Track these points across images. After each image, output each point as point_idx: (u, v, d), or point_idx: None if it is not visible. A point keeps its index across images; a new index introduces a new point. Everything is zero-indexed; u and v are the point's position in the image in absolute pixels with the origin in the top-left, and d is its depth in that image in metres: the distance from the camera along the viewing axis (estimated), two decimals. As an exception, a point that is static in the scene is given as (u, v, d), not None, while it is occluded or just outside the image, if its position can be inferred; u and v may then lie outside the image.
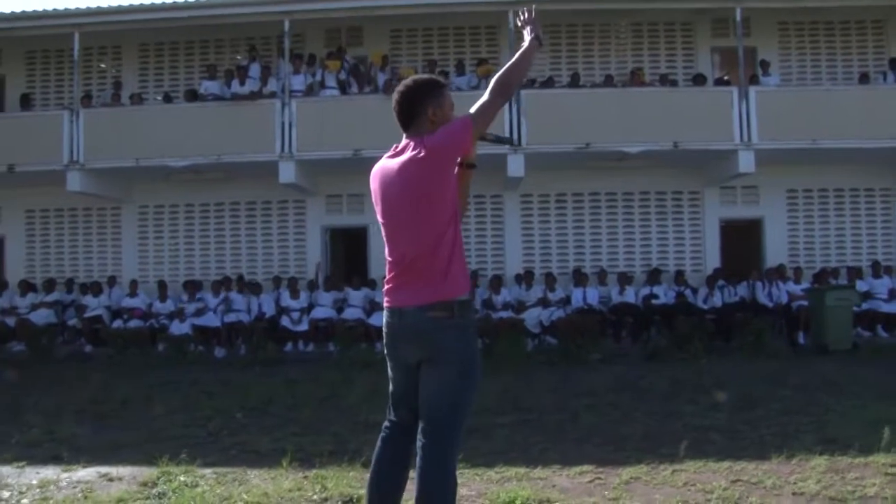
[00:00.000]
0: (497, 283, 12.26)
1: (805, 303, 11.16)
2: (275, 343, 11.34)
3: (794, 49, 13.46)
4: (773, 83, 12.54)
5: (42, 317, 12.24)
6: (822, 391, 7.11)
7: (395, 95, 2.91)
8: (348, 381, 8.25)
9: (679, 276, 12.15)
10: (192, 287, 12.46)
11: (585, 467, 4.54)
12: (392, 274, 2.85)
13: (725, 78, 13.17)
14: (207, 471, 4.73)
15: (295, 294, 12.29)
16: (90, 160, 12.05)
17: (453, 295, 2.75)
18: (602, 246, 13.18)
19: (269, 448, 5.33)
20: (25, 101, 13.40)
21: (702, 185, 13.02)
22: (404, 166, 2.76)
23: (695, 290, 11.84)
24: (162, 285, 12.61)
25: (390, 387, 2.97)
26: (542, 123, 11.64)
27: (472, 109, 2.81)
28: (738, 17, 11.62)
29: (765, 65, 12.77)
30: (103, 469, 4.83)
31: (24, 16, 12.05)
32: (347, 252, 14.23)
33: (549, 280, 12.24)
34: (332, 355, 10.91)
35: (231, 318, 12.00)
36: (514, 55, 2.93)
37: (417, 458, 2.76)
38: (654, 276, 12.19)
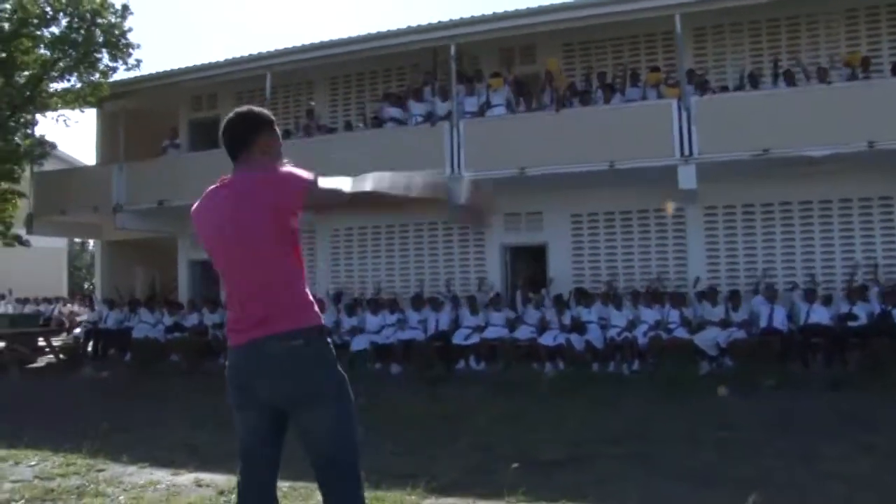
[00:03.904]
0: (679, 300, 11.55)
1: None
2: (445, 361, 11.63)
3: None
4: None
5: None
6: None
7: (225, 124, 2.71)
8: (485, 403, 8.23)
9: (890, 294, 10.62)
10: (376, 305, 13.09)
11: (644, 510, 4.17)
12: (237, 312, 2.65)
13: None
14: (286, 484, 4.95)
15: (474, 311, 12.45)
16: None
17: (306, 322, 2.59)
18: (796, 261, 11.91)
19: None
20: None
21: (921, 189, 11.34)
22: (240, 204, 2.56)
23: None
24: (356, 302, 13.36)
25: (239, 442, 2.71)
26: (715, 130, 10.82)
27: (327, 181, 2.51)
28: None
29: None
30: (202, 475, 5.26)
31: (227, 63, 13.71)
32: (532, 270, 14.18)
33: (735, 298, 11.30)
34: (501, 375, 10.91)
35: (405, 335, 12.41)
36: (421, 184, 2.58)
37: None
38: (856, 292, 10.78)
